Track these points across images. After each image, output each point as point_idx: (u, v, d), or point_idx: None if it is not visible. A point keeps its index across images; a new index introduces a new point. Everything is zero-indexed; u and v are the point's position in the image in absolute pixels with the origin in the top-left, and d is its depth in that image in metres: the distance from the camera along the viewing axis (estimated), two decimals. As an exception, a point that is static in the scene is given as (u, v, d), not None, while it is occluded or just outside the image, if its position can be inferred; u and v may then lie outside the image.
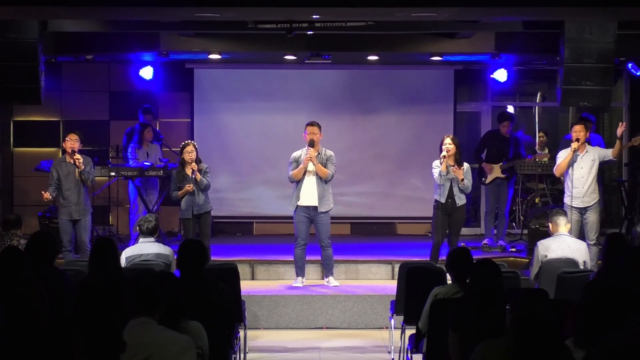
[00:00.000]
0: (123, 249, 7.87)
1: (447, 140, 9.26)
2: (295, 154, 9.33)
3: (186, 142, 9.52)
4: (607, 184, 13.12)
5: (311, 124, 9.30)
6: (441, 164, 9.16)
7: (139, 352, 3.91)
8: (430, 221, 12.42)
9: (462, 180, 9.15)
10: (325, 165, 9.25)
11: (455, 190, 9.24)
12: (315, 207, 9.25)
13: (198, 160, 9.39)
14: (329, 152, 9.36)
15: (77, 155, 9.33)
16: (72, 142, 9.39)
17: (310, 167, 9.24)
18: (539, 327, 3.84)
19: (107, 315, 3.93)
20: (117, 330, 3.85)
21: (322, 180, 9.24)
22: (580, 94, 9.44)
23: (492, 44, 11.15)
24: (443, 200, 9.25)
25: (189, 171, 9.29)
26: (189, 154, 9.32)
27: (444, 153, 9.17)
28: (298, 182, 9.28)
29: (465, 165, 9.34)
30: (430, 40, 11.21)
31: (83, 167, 9.33)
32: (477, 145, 11.54)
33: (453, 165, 9.15)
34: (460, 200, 9.28)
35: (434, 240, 9.37)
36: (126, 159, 11.43)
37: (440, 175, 9.17)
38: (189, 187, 9.26)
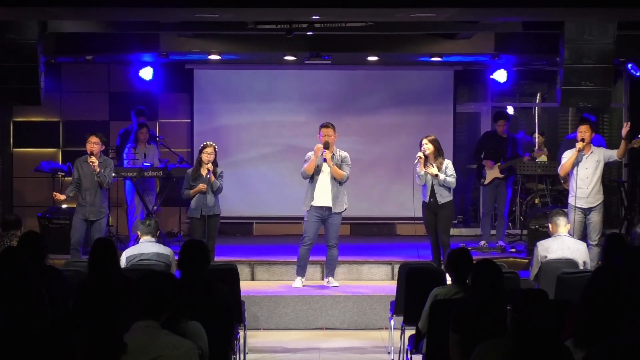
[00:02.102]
0: (123, 249, 7.88)
1: (425, 141, 9.32)
2: (310, 153, 9.32)
3: (207, 143, 9.47)
4: (607, 184, 13.09)
5: (325, 125, 9.29)
6: (417, 163, 9.20)
7: (142, 355, 3.90)
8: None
9: (436, 176, 9.17)
10: (340, 167, 9.26)
11: (437, 188, 9.26)
12: (329, 208, 9.25)
13: (215, 164, 9.38)
14: (344, 153, 9.36)
15: (93, 158, 9.33)
16: (91, 144, 9.39)
17: (325, 167, 9.24)
18: (540, 328, 3.84)
19: (107, 315, 3.92)
20: (117, 331, 3.83)
21: (337, 181, 9.25)
22: (580, 94, 9.45)
23: (492, 45, 11.15)
24: (427, 200, 9.31)
25: (204, 171, 9.29)
26: (208, 155, 9.31)
27: (419, 154, 9.20)
28: (312, 182, 9.27)
29: (446, 161, 9.35)
30: (430, 40, 11.22)
31: (99, 169, 9.34)
32: (475, 147, 11.51)
33: (432, 164, 9.19)
34: (443, 198, 9.29)
35: (430, 240, 9.45)
36: (122, 159, 11.43)
37: (418, 175, 9.22)
38: (202, 186, 9.26)
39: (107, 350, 3.78)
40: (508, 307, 4.01)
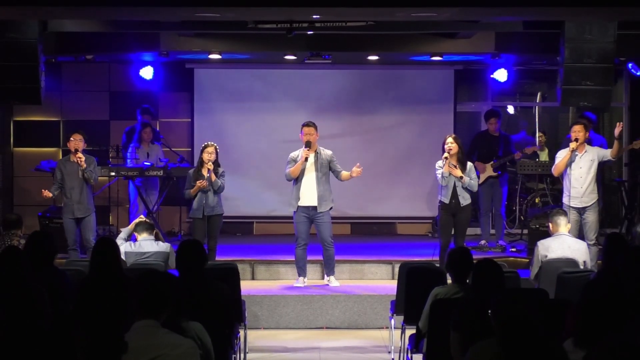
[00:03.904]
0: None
1: (449, 140, 9.21)
2: (293, 154, 9.33)
3: (208, 143, 9.46)
4: (607, 184, 13.12)
5: (307, 124, 9.29)
6: (444, 164, 9.12)
7: (142, 354, 3.90)
8: (430, 221, 12.48)
9: (461, 178, 9.11)
10: (330, 166, 9.27)
11: (459, 190, 9.17)
12: (314, 207, 9.25)
13: (217, 163, 9.38)
14: (328, 152, 9.36)
15: (79, 154, 9.43)
16: (75, 141, 9.51)
17: (310, 167, 9.23)
18: (523, 328, 3.83)
19: (108, 314, 3.92)
20: (118, 330, 3.83)
21: (323, 180, 9.24)
22: (580, 94, 9.45)
23: (492, 44, 11.15)
24: (447, 201, 9.17)
25: (204, 171, 9.29)
26: (209, 154, 9.32)
27: (445, 154, 9.13)
28: (297, 182, 9.27)
29: (469, 164, 9.31)
30: (430, 40, 11.22)
31: (85, 165, 9.40)
32: (468, 148, 11.43)
33: (455, 165, 9.12)
34: (465, 200, 9.21)
35: (441, 242, 9.27)
36: (125, 159, 11.45)
37: (443, 176, 9.13)
38: (200, 183, 9.24)
39: (108, 349, 3.78)
40: (489, 312, 3.99)
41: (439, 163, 9.20)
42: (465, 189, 9.18)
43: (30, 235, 6.49)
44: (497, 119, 11.20)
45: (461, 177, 9.10)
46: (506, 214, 11.96)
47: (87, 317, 3.96)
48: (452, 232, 9.30)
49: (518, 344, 3.82)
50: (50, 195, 9.58)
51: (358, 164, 9.26)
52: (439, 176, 9.15)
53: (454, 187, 9.16)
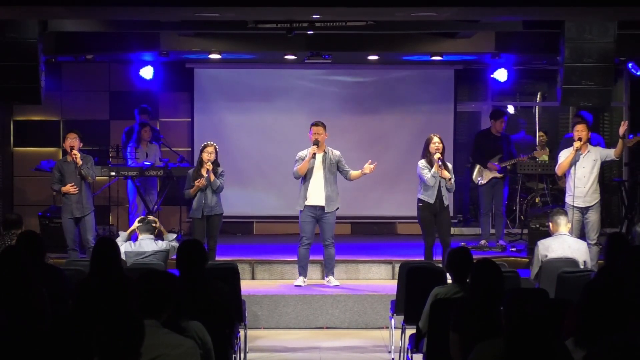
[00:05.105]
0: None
1: (437, 140, 9.26)
2: (301, 153, 9.33)
3: (208, 142, 9.48)
4: (607, 184, 13.11)
5: (316, 124, 9.31)
6: (436, 164, 9.15)
7: (143, 354, 3.90)
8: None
9: (450, 180, 9.17)
10: (338, 167, 9.30)
11: (443, 190, 9.26)
12: (322, 207, 9.25)
13: (216, 163, 9.39)
14: (337, 152, 9.37)
15: (75, 152, 9.46)
16: (70, 140, 9.56)
17: (318, 167, 9.24)
18: (532, 327, 3.83)
19: (111, 315, 3.90)
20: (136, 339, 3.73)
21: (331, 180, 9.26)
22: (581, 93, 9.45)
23: (492, 44, 11.15)
24: (432, 201, 9.26)
25: (204, 171, 9.30)
26: (209, 154, 9.33)
27: (437, 155, 9.16)
28: (305, 181, 9.28)
29: (449, 164, 9.40)
30: (430, 40, 11.22)
31: (81, 162, 9.41)
32: (472, 148, 11.45)
33: (440, 166, 9.18)
34: (446, 200, 9.32)
35: (427, 242, 9.36)
36: (126, 159, 11.45)
37: (433, 176, 9.17)
38: (198, 182, 9.25)
39: (123, 354, 3.73)
40: (501, 309, 4.00)
41: (423, 162, 9.25)
42: (448, 189, 9.25)
43: (18, 236, 6.53)
44: (505, 116, 11.22)
45: (450, 179, 9.16)
46: (506, 213, 11.96)
47: (102, 320, 3.92)
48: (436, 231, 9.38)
49: (527, 343, 3.82)
50: (69, 190, 9.51)
51: (370, 160, 9.28)
52: (427, 176, 9.19)
53: (439, 187, 9.21)
